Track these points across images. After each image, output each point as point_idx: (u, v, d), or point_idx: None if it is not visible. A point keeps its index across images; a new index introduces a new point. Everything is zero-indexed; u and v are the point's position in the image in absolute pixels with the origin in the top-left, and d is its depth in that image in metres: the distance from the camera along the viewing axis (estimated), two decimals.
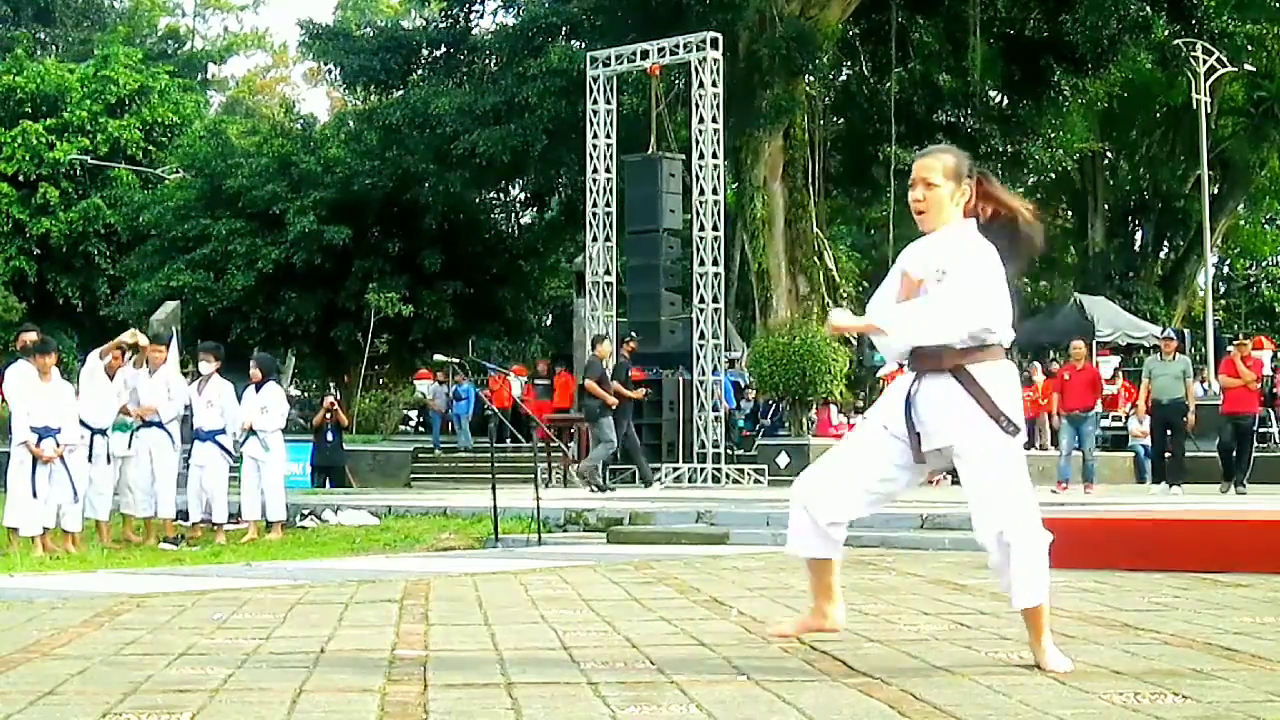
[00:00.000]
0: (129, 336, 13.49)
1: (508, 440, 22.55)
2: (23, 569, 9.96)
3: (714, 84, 21.90)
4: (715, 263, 21.85)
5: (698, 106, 22.04)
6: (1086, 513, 10.57)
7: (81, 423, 12.29)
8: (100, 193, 37.00)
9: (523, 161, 30.68)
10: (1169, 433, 17.10)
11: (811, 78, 29.62)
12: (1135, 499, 15.23)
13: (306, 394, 41.63)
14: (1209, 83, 30.82)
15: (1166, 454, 17.28)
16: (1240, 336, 19.52)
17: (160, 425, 13.24)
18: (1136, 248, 42.66)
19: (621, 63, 23.15)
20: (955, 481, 17.87)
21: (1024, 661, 4.36)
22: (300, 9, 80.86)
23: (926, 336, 4.22)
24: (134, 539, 13.27)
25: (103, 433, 12.74)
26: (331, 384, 38.31)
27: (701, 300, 21.72)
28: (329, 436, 21.92)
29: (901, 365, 4.44)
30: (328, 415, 21.83)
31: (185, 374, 15.38)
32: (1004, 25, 31.96)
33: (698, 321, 21.77)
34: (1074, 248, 45.95)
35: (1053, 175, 41.21)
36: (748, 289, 30.89)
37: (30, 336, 12.39)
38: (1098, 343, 27.92)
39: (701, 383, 21.56)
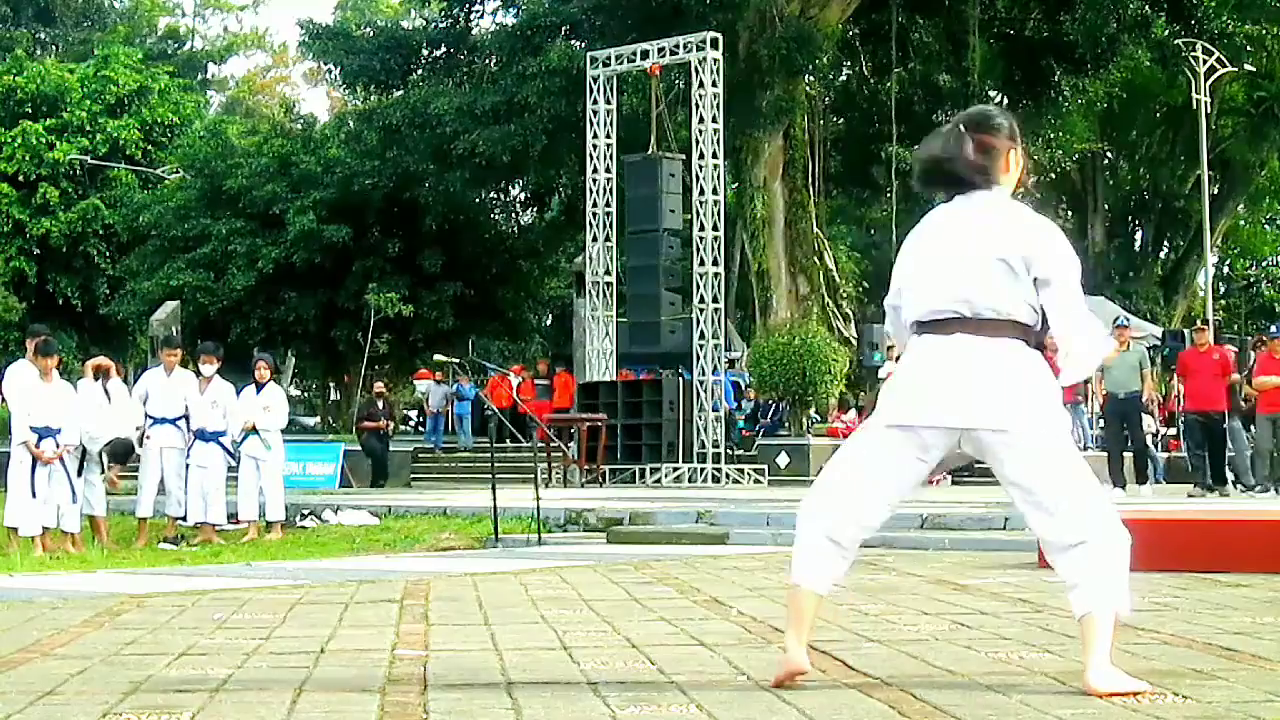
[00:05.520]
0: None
1: (508, 440, 22.55)
2: (23, 569, 9.96)
3: (714, 84, 21.90)
4: (715, 263, 21.84)
5: (698, 106, 22.04)
6: None
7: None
8: (100, 193, 36.95)
9: (523, 161, 30.67)
10: (1125, 428, 16.22)
11: (811, 78, 29.63)
12: (1135, 499, 15.23)
13: (307, 394, 41.61)
14: (1209, 83, 30.79)
15: (1131, 452, 16.44)
16: (1198, 324, 18.70)
17: (173, 423, 13.27)
18: (1136, 248, 42.64)
19: (621, 63, 23.15)
20: (955, 482, 17.94)
21: (1024, 661, 4.36)
22: (300, 9, 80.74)
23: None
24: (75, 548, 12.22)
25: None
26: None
27: (701, 300, 21.72)
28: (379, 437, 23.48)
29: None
30: (384, 422, 23.33)
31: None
32: (1004, 25, 31.97)
33: (698, 321, 21.77)
34: (1074, 248, 45.88)
35: (1053, 175, 41.17)
36: (748, 289, 30.89)
37: (40, 337, 12.38)
38: None
39: (701, 383, 21.56)
